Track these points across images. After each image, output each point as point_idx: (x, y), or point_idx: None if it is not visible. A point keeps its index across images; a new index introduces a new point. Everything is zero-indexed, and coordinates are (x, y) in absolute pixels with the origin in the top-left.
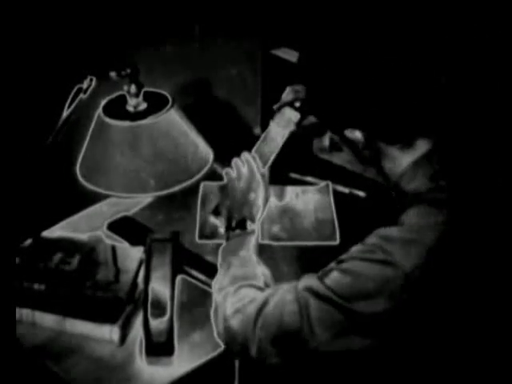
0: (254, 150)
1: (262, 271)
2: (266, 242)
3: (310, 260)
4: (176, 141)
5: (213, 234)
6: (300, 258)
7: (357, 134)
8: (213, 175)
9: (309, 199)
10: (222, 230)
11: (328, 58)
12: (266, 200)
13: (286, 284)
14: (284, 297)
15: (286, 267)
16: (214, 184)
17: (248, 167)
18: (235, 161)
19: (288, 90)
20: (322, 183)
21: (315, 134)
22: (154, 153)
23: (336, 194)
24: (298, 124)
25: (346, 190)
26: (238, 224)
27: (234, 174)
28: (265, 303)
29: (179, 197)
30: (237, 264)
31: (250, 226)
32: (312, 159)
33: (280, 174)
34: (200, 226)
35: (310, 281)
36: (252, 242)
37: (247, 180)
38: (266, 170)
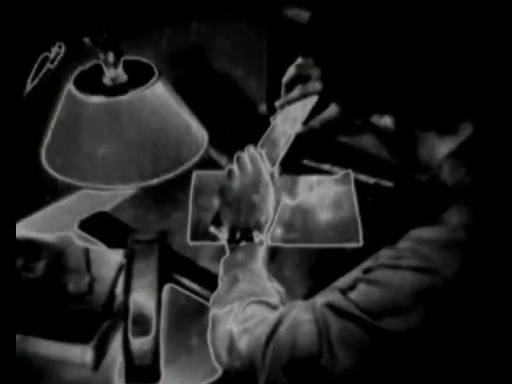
0: (259, 146)
1: (274, 287)
2: (272, 243)
3: (326, 266)
4: (163, 120)
5: (208, 234)
6: (312, 263)
7: (385, 120)
8: (208, 163)
9: (325, 192)
10: (224, 242)
11: (349, 17)
12: (277, 206)
13: (302, 302)
14: (299, 316)
15: (292, 274)
16: (210, 174)
17: (254, 166)
18: (239, 157)
19: (295, 88)
20: (342, 172)
21: (332, 130)
22: (136, 135)
23: (359, 185)
24: (307, 122)
25: (371, 180)
26: (242, 235)
27: (237, 173)
28: (278, 324)
29: (167, 189)
30: (244, 278)
31: (257, 236)
32: (329, 143)
33: (290, 160)
34: (193, 225)
35: (330, 296)
36: (261, 254)
37: (254, 182)
38: (274, 170)
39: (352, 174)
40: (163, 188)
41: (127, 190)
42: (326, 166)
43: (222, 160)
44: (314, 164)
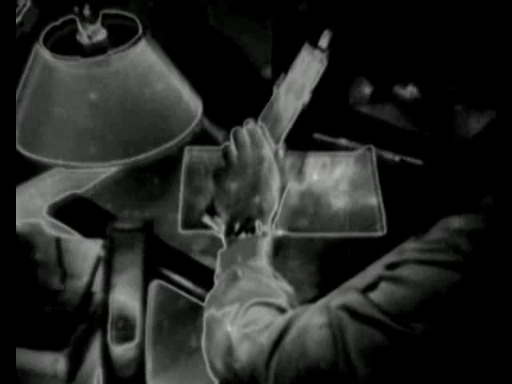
0: (260, 121)
1: (281, 287)
2: (277, 235)
3: (341, 261)
4: (149, 86)
5: (201, 222)
6: (325, 257)
7: (410, 90)
8: (202, 137)
9: (342, 172)
10: (220, 235)
11: None
12: (283, 189)
13: (314, 304)
14: (310, 320)
15: (301, 271)
16: (204, 151)
17: (255, 143)
18: (236, 132)
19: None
20: (362, 148)
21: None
22: (116, 103)
23: (381, 163)
24: (317, 91)
25: (396, 158)
26: (242, 226)
27: (235, 152)
28: (285, 330)
29: (154, 168)
30: (245, 276)
31: (260, 227)
32: (346, 113)
33: (298, 135)
34: (184, 211)
35: (347, 296)
36: (264, 247)
37: (255, 162)
38: (279, 148)
39: (374, 151)
40: (149, 167)
41: (107, 170)
42: (342, 141)
43: (219, 134)
44: (328, 139)
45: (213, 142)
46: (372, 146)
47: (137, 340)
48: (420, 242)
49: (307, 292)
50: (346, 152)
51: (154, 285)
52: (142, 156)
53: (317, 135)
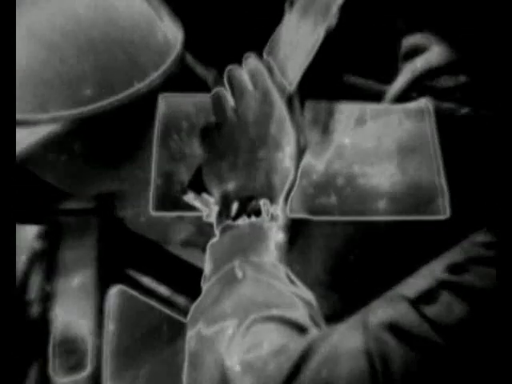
0: (265, 55)
1: (298, 294)
2: (298, 215)
3: (382, 255)
4: (110, 8)
5: (183, 201)
6: (360, 250)
7: None
8: (184, 80)
9: (387, 131)
10: (210, 220)
11: None
12: (300, 156)
13: (345, 322)
14: (341, 343)
15: (326, 269)
16: (187, 98)
17: (259, 88)
18: (233, 73)
19: None
20: (417, 101)
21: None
22: (66, 31)
23: (440, 118)
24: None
25: (463, 110)
26: (242, 207)
27: (230, 101)
28: (304, 357)
29: (114, 123)
30: (248, 277)
31: (267, 209)
32: (390, 46)
33: (321, 76)
34: (158, 185)
35: (392, 310)
36: (273, 237)
37: (260, 115)
38: (295, 96)
39: (431, 104)
40: (107, 122)
41: (46, 126)
42: (385, 88)
43: (207, 76)
44: (365, 83)
45: (199, 86)
46: (428, 98)
47: (89, 370)
48: (492, 234)
49: (333, 300)
50: (391, 105)
51: (115, 292)
52: (96, 106)
53: (349, 78)
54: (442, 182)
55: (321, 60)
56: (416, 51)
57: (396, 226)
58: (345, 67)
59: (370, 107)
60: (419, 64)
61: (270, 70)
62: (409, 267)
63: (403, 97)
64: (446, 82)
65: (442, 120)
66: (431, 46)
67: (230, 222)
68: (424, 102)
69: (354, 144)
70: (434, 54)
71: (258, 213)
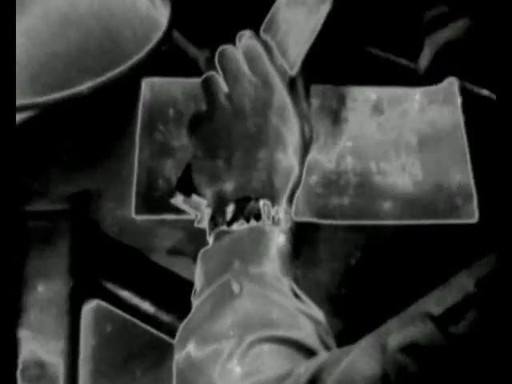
0: (263, 33)
1: (304, 311)
2: (305, 219)
3: (400, 265)
4: None
5: (170, 203)
6: (375, 259)
7: None
8: (171, 62)
9: (408, 121)
10: (202, 225)
11: None
12: (306, 149)
13: (359, 344)
14: (354, 369)
15: (336, 281)
16: (173, 84)
17: (257, 71)
18: (226, 53)
19: None
20: (442, 83)
21: None
22: (38, 13)
23: (467, 103)
24: None
25: (484, 92)
26: (239, 210)
27: (224, 86)
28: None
29: (91, 112)
30: (246, 291)
31: (268, 212)
32: (415, 18)
33: (331, 51)
34: (141, 185)
35: (413, 329)
36: (276, 245)
37: (258, 103)
38: (299, 79)
39: (457, 84)
40: (81, 111)
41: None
42: (407, 63)
43: (199, 57)
44: (385, 55)
45: (188, 69)
46: (455, 79)
47: None
48: None
49: (344, 316)
50: (414, 87)
51: (91, 308)
52: (69, 92)
53: (371, 50)
54: (469, 180)
55: (329, 36)
56: (438, 23)
57: (419, 231)
58: (358, 43)
59: (387, 91)
60: (441, 36)
61: (269, 50)
62: (434, 280)
63: (428, 76)
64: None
65: (470, 106)
66: (454, 18)
67: (224, 227)
68: (450, 84)
69: (369, 136)
70: (457, 26)
71: (257, 216)
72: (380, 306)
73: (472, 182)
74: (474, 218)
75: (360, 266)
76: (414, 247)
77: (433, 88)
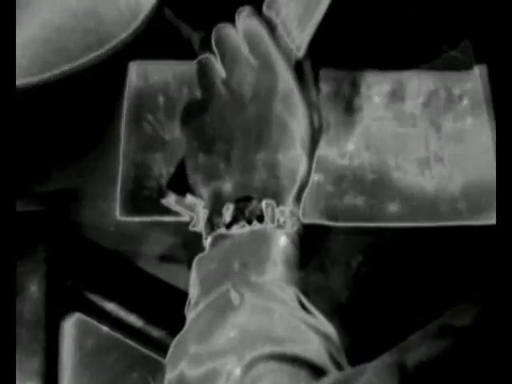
0: (265, 10)
1: (312, 324)
2: (314, 221)
3: (418, 272)
4: None
5: (158, 203)
6: (391, 267)
7: None
8: (160, 43)
9: (431, 111)
10: (197, 228)
11: None
12: (314, 142)
13: (375, 362)
14: None
15: (347, 289)
16: (164, 67)
17: (258, 53)
18: (223, 32)
19: None
20: (470, 69)
21: None
22: None
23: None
24: None
25: None
26: (239, 211)
27: (221, 70)
28: None
29: (70, 100)
30: (247, 303)
31: (272, 213)
32: None
33: (353, 27)
34: (126, 182)
35: (435, 346)
36: (280, 250)
37: (259, 89)
38: (306, 62)
39: (486, 70)
40: (60, 98)
41: None
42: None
43: (193, 38)
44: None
45: (181, 51)
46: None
47: None
48: None
49: (355, 331)
50: (442, 72)
51: (72, 321)
52: (44, 76)
53: (389, 27)
54: (493, 183)
55: (340, 13)
56: None
57: (436, 233)
58: (375, 21)
59: (408, 76)
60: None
61: (272, 30)
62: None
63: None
64: None
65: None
66: None
67: (223, 230)
68: (478, 71)
69: (386, 127)
70: None
71: (259, 218)
72: (400, 320)
73: (494, 181)
74: (493, 220)
75: (376, 275)
76: (432, 250)
77: (461, 73)
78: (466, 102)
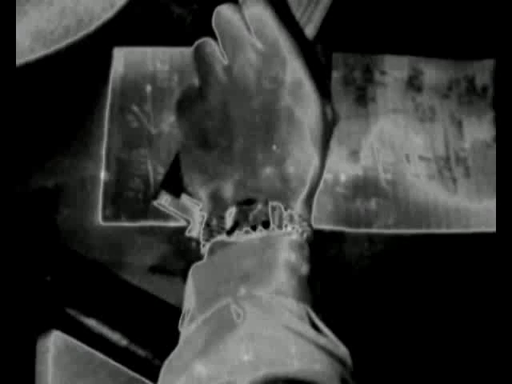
0: None
1: (322, 344)
2: (326, 227)
3: (439, 284)
4: None
5: (151, 206)
6: (412, 278)
7: None
8: (151, 26)
9: (453, 104)
10: (193, 234)
11: None
12: (327, 136)
13: None
14: None
15: (361, 299)
16: (155, 53)
17: (263, 37)
18: (223, 14)
19: None
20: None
21: None
22: None
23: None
24: None
25: None
26: (242, 216)
27: (220, 57)
28: None
29: (48, 90)
30: (250, 319)
31: (280, 218)
32: None
33: (368, 8)
34: (111, 183)
35: None
36: (288, 259)
37: (265, 79)
38: (318, 49)
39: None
40: (35, 88)
41: None
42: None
43: (187, 17)
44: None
45: (173, 35)
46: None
47: None
48: None
49: (370, 351)
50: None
51: (49, 339)
52: (22, 62)
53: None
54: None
55: None
56: None
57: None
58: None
59: (428, 63)
60: None
61: (279, 10)
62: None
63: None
64: None
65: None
66: None
67: (223, 236)
68: (492, 65)
69: (404, 122)
70: None
71: (265, 223)
72: (422, 341)
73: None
74: (491, 228)
75: (395, 288)
76: (442, 257)
77: (479, 62)
78: (490, 94)
